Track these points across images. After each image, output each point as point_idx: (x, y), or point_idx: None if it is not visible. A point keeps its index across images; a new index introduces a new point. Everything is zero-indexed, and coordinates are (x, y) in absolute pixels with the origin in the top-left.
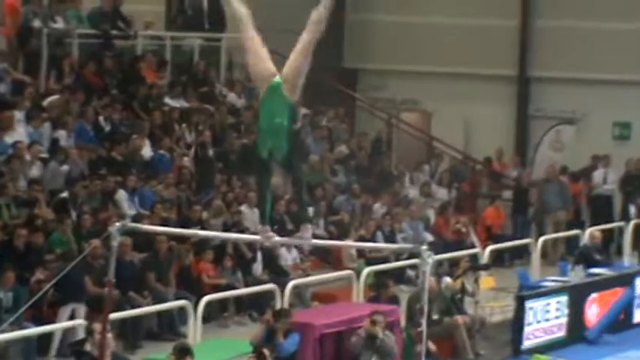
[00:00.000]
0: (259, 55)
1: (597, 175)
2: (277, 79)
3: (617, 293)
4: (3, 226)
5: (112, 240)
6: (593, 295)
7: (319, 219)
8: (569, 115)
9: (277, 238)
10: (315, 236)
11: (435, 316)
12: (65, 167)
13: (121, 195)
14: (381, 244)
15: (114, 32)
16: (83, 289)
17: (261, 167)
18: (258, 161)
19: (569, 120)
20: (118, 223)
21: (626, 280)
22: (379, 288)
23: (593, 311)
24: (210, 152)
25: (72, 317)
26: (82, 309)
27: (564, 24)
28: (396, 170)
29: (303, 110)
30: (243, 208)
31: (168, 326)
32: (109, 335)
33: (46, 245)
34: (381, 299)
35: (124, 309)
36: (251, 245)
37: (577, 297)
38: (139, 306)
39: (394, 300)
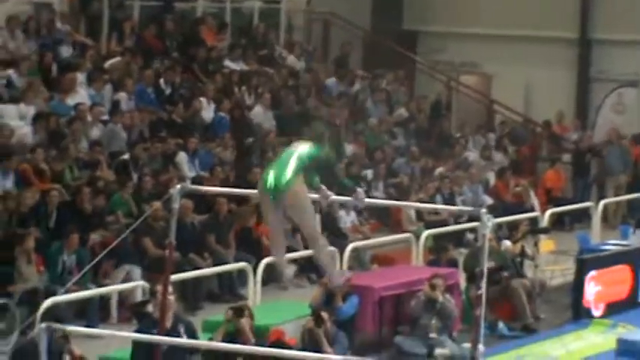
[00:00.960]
0: None
1: None
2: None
3: None
4: (66, 187)
5: (173, 202)
6: None
7: (378, 182)
8: (632, 77)
9: (334, 197)
10: (374, 199)
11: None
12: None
13: (182, 157)
14: (441, 207)
15: None
16: (138, 252)
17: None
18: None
19: (631, 82)
20: (178, 185)
21: None
22: (438, 251)
23: None
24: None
25: (126, 280)
26: (136, 271)
27: None
28: (456, 133)
29: (362, 73)
30: None
31: (228, 288)
32: (171, 297)
33: (107, 207)
34: (440, 262)
35: (184, 270)
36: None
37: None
38: (200, 267)
39: (453, 263)
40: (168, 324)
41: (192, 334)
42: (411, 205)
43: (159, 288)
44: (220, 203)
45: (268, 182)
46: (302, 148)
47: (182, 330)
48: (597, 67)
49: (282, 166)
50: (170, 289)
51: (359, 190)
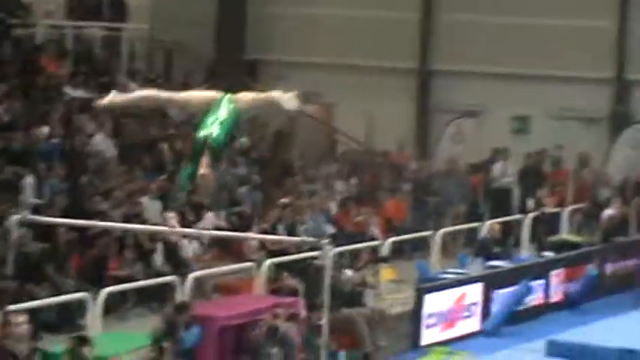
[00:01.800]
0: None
1: (496, 168)
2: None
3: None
4: None
5: (11, 232)
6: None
7: (221, 210)
8: (470, 108)
9: (179, 229)
10: (216, 227)
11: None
12: None
13: (28, 183)
14: (283, 238)
15: (12, 21)
16: None
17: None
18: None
19: (469, 113)
20: (17, 215)
21: (523, 273)
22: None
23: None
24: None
25: None
26: None
27: (466, 18)
28: (298, 162)
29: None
30: (144, 199)
31: (67, 318)
32: (25, 326)
33: None
34: (282, 291)
35: (22, 301)
36: (152, 236)
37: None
38: (37, 298)
39: (295, 292)
40: (23, 354)
41: None
42: (253, 237)
43: (13, 318)
44: (57, 233)
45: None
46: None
47: None
48: (437, 97)
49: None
50: (24, 317)
51: (209, 213)
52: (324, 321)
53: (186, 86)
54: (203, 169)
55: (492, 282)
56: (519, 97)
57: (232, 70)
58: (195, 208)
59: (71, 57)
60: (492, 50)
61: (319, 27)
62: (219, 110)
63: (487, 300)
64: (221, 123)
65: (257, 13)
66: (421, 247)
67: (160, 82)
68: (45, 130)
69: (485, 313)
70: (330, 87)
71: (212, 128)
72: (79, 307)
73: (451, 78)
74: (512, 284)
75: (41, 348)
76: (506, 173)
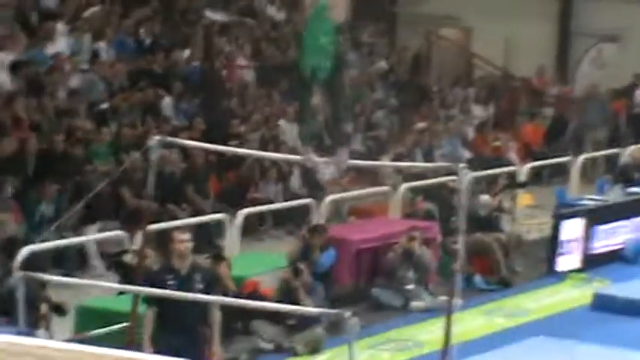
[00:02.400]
0: None
1: (638, 93)
2: (323, 1)
3: None
4: (44, 136)
5: (152, 153)
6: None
7: (357, 134)
8: (612, 32)
9: (317, 159)
10: (353, 152)
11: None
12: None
13: (167, 103)
14: (418, 164)
15: None
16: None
17: (303, 85)
18: (300, 79)
19: (611, 37)
20: (156, 137)
21: None
22: (414, 204)
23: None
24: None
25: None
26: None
27: None
28: (435, 86)
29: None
30: (282, 122)
31: (206, 239)
32: (188, 244)
33: (85, 157)
34: (417, 215)
35: (162, 221)
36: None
37: (614, 216)
38: (177, 218)
39: (431, 216)
40: (184, 271)
41: (208, 283)
42: (388, 165)
43: (176, 236)
44: (195, 155)
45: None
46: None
47: (198, 278)
48: (578, 21)
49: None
50: (187, 235)
51: (345, 149)
52: (459, 245)
53: None
54: (316, 98)
55: (632, 209)
56: None
57: None
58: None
59: None
60: None
61: None
62: (317, 29)
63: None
64: (322, 48)
65: None
66: (560, 172)
67: (297, 4)
68: (185, 53)
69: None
70: (469, 10)
71: (316, 56)
72: (218, 229)
73: (593, 1)
74: None
75: (201, 265)
76: None
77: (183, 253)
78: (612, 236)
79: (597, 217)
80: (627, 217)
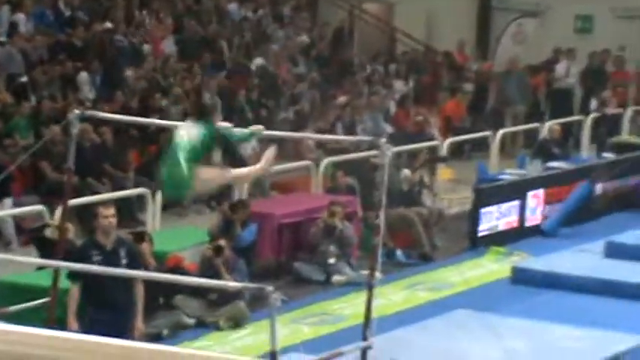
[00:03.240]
0: None
1: (560, 67)
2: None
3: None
4: None
5: (72, 127)
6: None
7: (280, 109)
8: (532, 7)
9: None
10: (276, 124)
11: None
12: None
13: (83, 77)
14: (341, 137)
15: None
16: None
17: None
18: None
19: (531, 12)
20: (77, 110)
21: (583, 174)
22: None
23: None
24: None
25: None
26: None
27: None
28: (357, 61)
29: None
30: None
31: (128, 213)
32: (113, 219)
33: (5, 130)
34: (338, 190)
35: (83, 195)
36: None
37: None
38: (98, 192)
39: (352, 190)
40: (109, 246)
41: (133, 258)
42: (311, 137)
43: (101, 211)
44: (105, 132)
45: (171, 193)
46: (188, 136)
47: (123, 253)
48: None
49: (175, 172)
50: (112, 211)
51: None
52: (380, 220)
53: None
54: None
55: (551, 183)
56: None
57: None
58: (252, 105)
59: None
60: None
61: None
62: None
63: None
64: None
65: None
66: (480, 147)
67: None
68: (107, 25)
69: (544, 214)
70: None
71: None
72: (139, 203)
73: None
74: (571, 185)
75: (126, 240)
76: (569, 73)
77: (107, 229)
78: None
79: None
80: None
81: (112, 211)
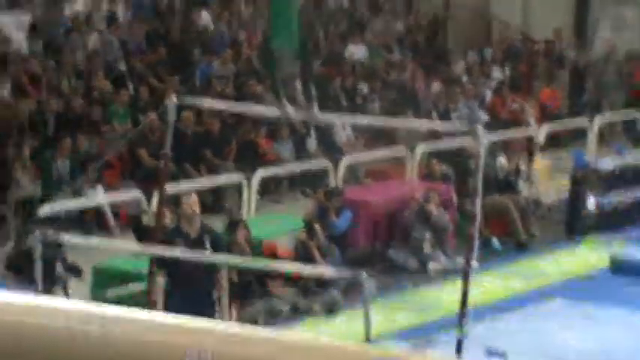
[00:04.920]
0: None
1: None
2: None
3: None
4: (62, 96)
5: (169, 114)
6: None
7: (374, 95)
8: None
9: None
10: (369, 113)
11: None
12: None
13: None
14: (435, 123)
15: None
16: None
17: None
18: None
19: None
20: (174, 97)
21: None
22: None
23: None
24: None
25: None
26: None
27: None
28: (453, 49)
29: None
30: (297, 84)
31: (223, 200)
32: (196, 208)
33: (103, 117)
34: (434, 177)
35: (179, 181)
36: (305, 121)
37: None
38: (195, 179)
39: (447, 178)
40: (194, 234)
41: (217, 247)
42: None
43: (184, 199)
44: (211, 121)
45: None
46: None
47: (207, 241)
48: None
49: None
50: (195, 198)
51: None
52: (476, 208)
53: None
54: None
55: None
56: None
57: None
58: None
59: None
60: None
61: None
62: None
63: None
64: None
65: None
66: (577, 135)
67: None
68: (204, 14)
69: None
70: None
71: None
72: (234, 190)
73: None
74: None
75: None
76: None
77: (191, 216)
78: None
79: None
80: None
81: (194, 198)
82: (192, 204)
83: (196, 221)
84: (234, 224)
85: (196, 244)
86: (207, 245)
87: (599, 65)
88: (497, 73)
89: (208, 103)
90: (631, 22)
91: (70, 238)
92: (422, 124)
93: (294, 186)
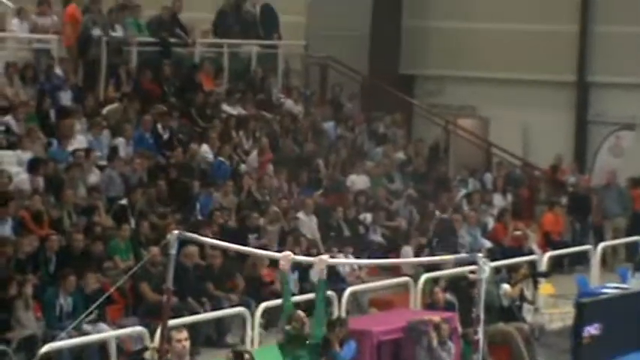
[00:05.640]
0: None
1: None
2: None
3: None
4: (63, 233)
5: (170, 248)
6: None
7: (376, 225)
8: (629, 120)
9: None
10: (371, 242)
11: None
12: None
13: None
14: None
15: (172, 40)
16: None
17: None
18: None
19: (628, 125)
20: (175, 232)
21: None
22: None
23: None
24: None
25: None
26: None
27: (623, 29)
28: (454, 176)
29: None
30: (300, 214)
31: (226, 333)
32: (186, 343)
33: (105, 252)
34: (438, 306)
35: (182, 316)
36: (308, 251)
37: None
38: (197, 312)
39: (451, 306)
40: None
41: None
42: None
43: (174, 335)
44: (213, 256)
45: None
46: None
47: None
48: (595, 109)
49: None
50: (185, 334)
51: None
52: (480, 335)
53: (335, 99)
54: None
55: None
56: None
57: (387, 84)
58: (350, 224)
59: (228, 75)
60: None
61: (474, 40)
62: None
63: None
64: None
65: (412, 27)
66: (580, 261)
67: (314, 97)
68: (205, 147)
69: None
70: (487, 101)
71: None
72: (237, 322)
73: (609, 90)
74: None
75: None
76: None
77: (181, 353)
78: None
79: None
80: None
81: (184, 334)
82: (183, 340)
83: (186, 356)
84: (238, 355)
85: None
86: None
87: (600, 191)
88: (498, 200)
89: (208, 238)
90: (629, 147)
91: None
92: (425, 260)
93: None
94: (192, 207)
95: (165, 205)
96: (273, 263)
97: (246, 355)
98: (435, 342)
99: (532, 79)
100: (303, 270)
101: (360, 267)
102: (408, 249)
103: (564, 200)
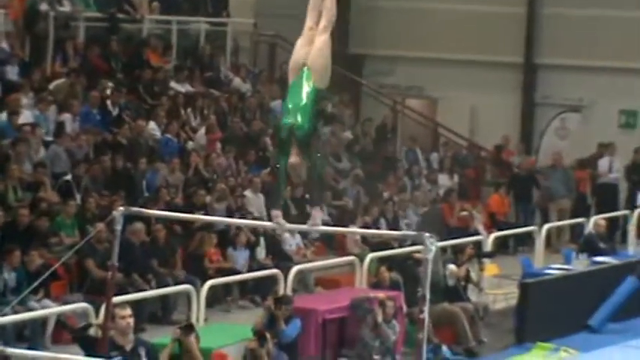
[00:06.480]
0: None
1: (603, 163)
2: (306, 69)
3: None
4: (8, 208)
5: (116, 224)
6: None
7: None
8: (576, 102)
9: (288, 226)
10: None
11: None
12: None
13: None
14: (384, 232)
15: (120, 16)
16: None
17: (280, 146)
18: (278, 140)
19: (575, 108)
20: (121, 208)
21: (630, 269)
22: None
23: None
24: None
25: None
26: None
27: (570, 12)
28: (401, 156)
29: None
30: (248, 192)
31: (172, 310)
32: (130, 319)
33: (50, 228)
34: (383, 285)
35: (127, 292)
36: (254, 229)
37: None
38: (143, 290)
39: (396, 285)
40: (129, 347)
41: (153, 358)
42: (354, 232)
43: (118, 312)
44: (158, 230)
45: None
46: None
47: (143, 353)
48: (542, 92)
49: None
50: (129, 311)
51: (319, 210)
52: (425, 315)
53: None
54: (292, 158)
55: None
56: (627, 90)
57: (336, 64)
58: (297, 202)
59: (176, 52)
60: (598, 43)
61: (423, 21)
62: (299, 92)
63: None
64: (302, 109)
65: (361, 7)
66: (525, 242)
67: (262, 76)
68: (152, 124)
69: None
70: (434, 81)
71: (295, 116)
72: (183, 299)
73: (556, 72)
74: (618, 281)
75: (145, 340)
76: (613, 169)
77: (125, 329)
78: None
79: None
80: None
81: (128, 311)
82: (126, 316)
83: (130, 334)
84: (188, 328)
85: (132, 355)
86: (144, 356)
87: (546, 172)
88: (444, 180)
89: (153, 212)
90: (574, 129)
91: (15, 351)
92: (372, 233)
93: (244, 295)
94: (138, 184)
95: (111, 182)
96: (221, 244)
97: (194, 332)
98: (379, 318)
99: (480, 60)
100: (252, 248)
101: (307, 245)
102: (354, 228)
103: (510, 181)
